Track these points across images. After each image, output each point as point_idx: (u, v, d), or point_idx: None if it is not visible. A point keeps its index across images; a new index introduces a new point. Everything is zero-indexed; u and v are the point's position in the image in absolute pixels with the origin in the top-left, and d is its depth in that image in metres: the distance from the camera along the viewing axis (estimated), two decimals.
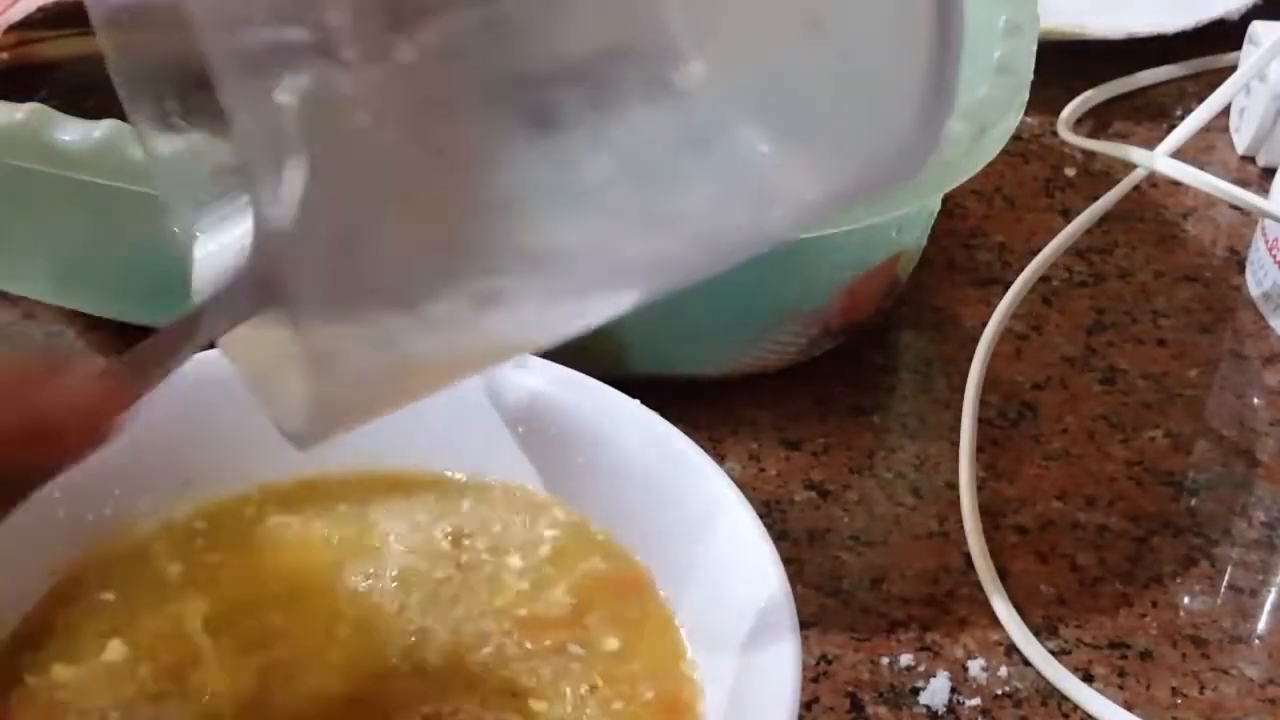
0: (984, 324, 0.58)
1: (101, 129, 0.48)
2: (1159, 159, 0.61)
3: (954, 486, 0.53)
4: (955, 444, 0.54)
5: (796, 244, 0.49)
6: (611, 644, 0.41)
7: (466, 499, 0.45)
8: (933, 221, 0.55)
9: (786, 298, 0.53)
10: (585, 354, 0.46)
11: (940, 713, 0.46)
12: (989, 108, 0.51)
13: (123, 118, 0.48)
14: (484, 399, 0.44)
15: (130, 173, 0.48)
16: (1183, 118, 0.66)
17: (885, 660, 0.48)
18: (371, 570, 0.43)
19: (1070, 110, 0.69)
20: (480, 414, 0.45)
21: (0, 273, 0.56)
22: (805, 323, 0.54)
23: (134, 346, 0.33)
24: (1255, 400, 0.58)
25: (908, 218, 0.52)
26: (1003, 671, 0.48)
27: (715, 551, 0.41)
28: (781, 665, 0.37)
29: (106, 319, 0.57)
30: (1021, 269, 0.61)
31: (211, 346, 0.32)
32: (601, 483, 0.44)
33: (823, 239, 0.49)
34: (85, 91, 0.56)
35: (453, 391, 0.44)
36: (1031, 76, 0.53)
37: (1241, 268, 0.63)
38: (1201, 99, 0.65)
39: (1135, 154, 0.62)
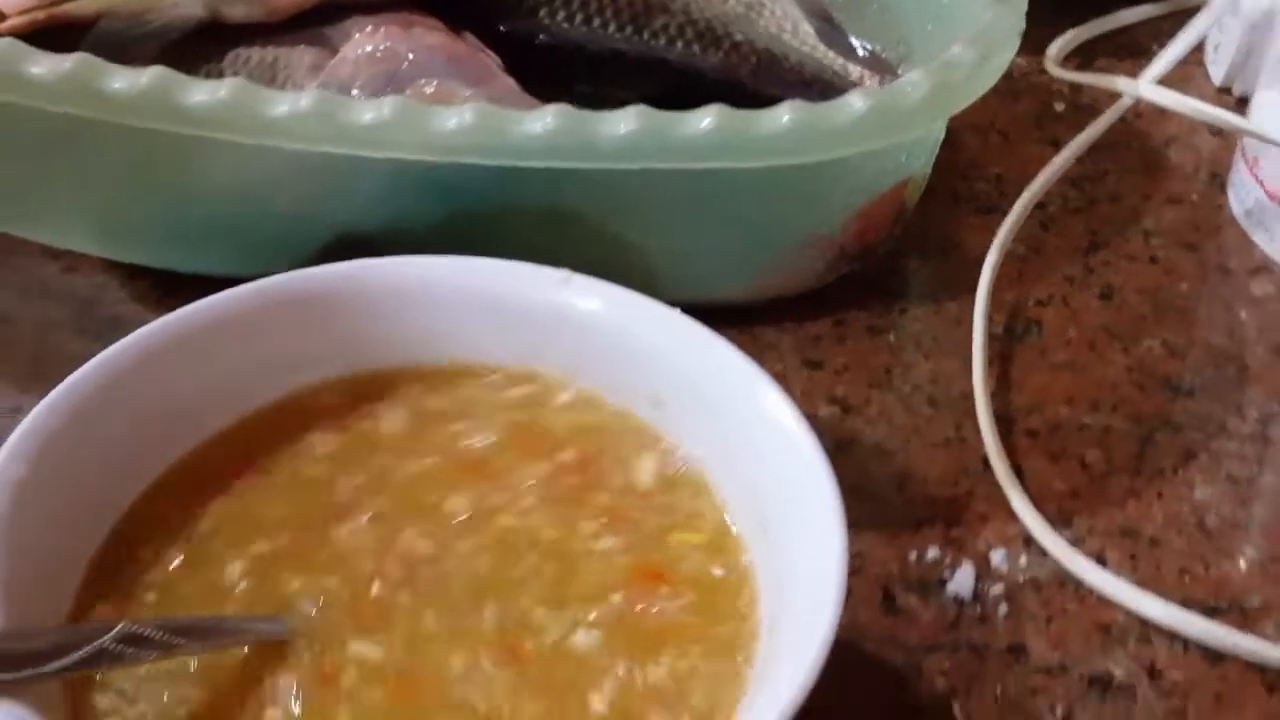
0: (987, 249, 0.61)
1: (148, 75, 0.50)
2: (1144, 86, 0.64)
3: (968, 396, 0.56)
4: (967, 358, 0.57)
5: (813, 169, 0.52)
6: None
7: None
8: (937, 149, 0.59)
9: (805, 222, 0.56)
10: (618, 280, 0.49)
11: (967, 600, 0.50)
12: (991, 35, 0.55)
13: (179, 57, 0.51)
14: (539, 314, 0.47)
15: (178, 117, 0.51)
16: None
17: (913, 555, 0.51)
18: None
19: (1056, 48, 0.72)
20: (542, 328, 0.48)
21: (45, 226, 0.59)
22: (823, 246, 0.57)
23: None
24: (1243, 309, 0.61)
25: (915, 143, 0.55)
26: (1023, 560, 0.51)
27: (766, 449, 0.44)
28: (829, 554, 0.40)
29: (148, 268, 0.59)
30: (1019, 197, 0.64)
31: None
32: (652, 385, 0.47)
33: (837, 163, 0.53)
34: (121, 48, 0.58)
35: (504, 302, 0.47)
36: (1026, 6, 0.57)
37: (1223, 189, 0.67)
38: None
39: (1121, 83, 0.65)
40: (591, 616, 0.42)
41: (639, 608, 0.42)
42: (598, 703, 0.41)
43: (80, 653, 0.36)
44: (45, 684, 0.37)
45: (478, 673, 0.41)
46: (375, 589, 0.43)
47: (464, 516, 0.45)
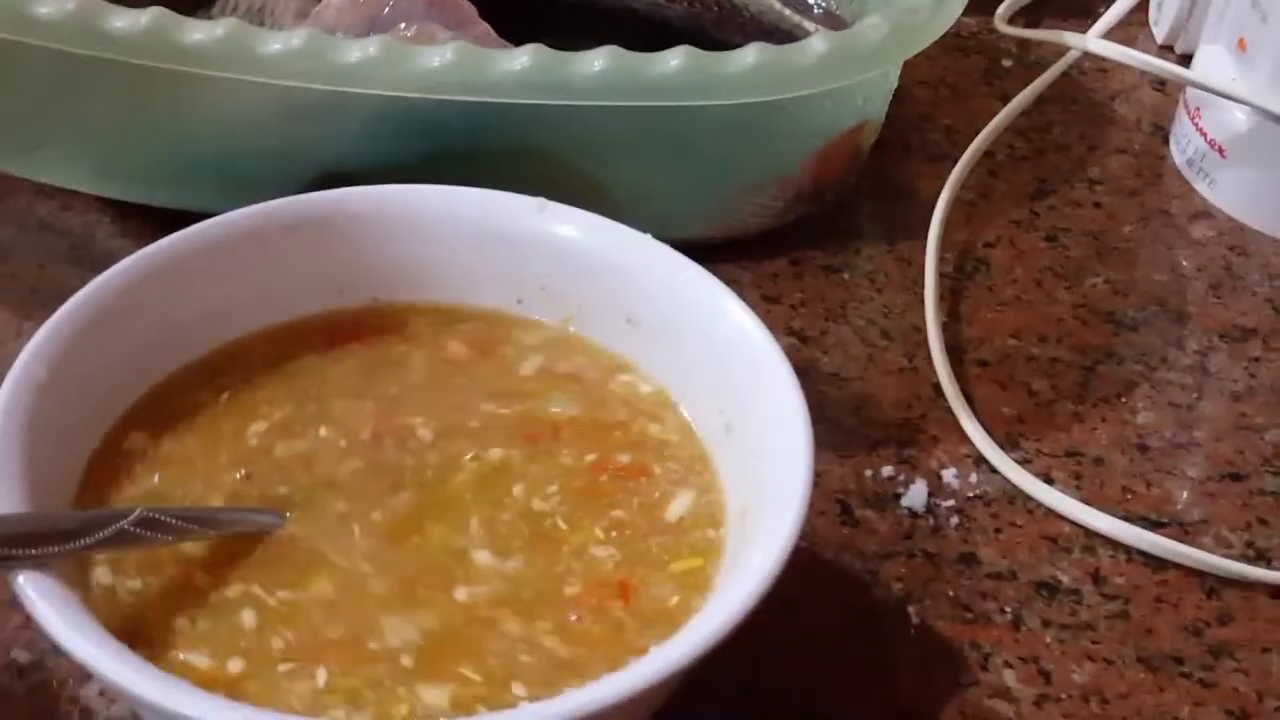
0: (938, 194, 0.64)
1: (148, 15, 0.53)
2: (1091, 40, 0.67)
3: (919, 329, 0.59)
4: (918, 294, 0.60)
5: (775, 109, 0.55)
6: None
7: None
8: (891, 94, 0.61)
9: (765, 162, 0.59)
10: None
11: (920, 513, 0.53)
12: None
13: (168, 6, 0.54)
14: (518, 240, 0.50)
15: (177, 55, 0.53)
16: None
17: (869, 472, 0.54)
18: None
19: (1005, 7, 0.74)
20: (521, 254, 0.50)
21: (42, 165, 0.61)
22: (782, 186, 0.60)
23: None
24: (1183, 250, 0.64)
25: (872, 86, 0.58)
26: (973, 478, 0.54)
27: (735, 360, 0.46)
28: (796, 444, 0.43)
29: (138, 205, 0.61)
30: (968, 146, 0.67)
31: None
32: (627, 307, 0.49)
33: (797, 104, 0.56)
34: None
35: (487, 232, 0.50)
36: None
37: (1165, 140, 0.70)
38: None
39: (1069, 38, 0.68)
40: (510, 563, 0.44)
41: (574, 617, 0.43)
42: (461, 594, 0.43)
43: (102, 533, 0.39)
44: (65, 559, 0.39)
45: (346, 529, 0.44)
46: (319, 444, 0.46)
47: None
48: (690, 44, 0.55)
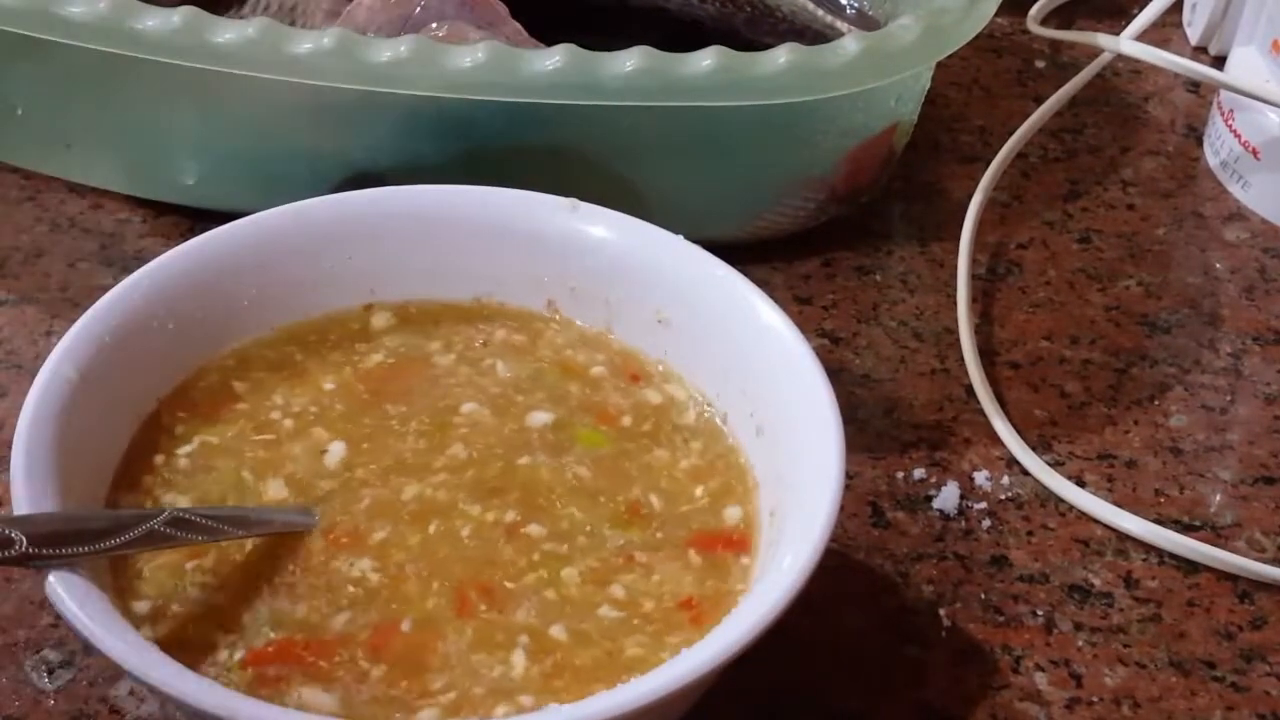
0: (970, 195, 0.64)
1: (179, 14, 0.53)
2: (1124, 42, 0.67)
3: (951, 331, 0.59)
4: (951, 296, 0.60)
5: (808, 110, 0.55)
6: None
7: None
8: (924, 96, 0.61)
9: (797, 163, 0.59)
10: None
11: (951, 515, 0.52)
12: None
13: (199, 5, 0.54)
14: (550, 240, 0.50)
15: (208, 54, 0.53)
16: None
17: (900, 474, 0.54)
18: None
19: (1037, 8, 0.74)
20: (553, 254, 0.51)
21: (74, 163, 0.61)
22: (814, 187, 0.60)
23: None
24: (1216, 253, 0.64)
25: (905, 87, 0.58)
26: (1005, 480, 0.53)
27: (764, 358, 0.46)
28: (828, 444, 0.43)
29: (169, 204, 0.62)
30: (1001, 147, 0.66)
31: None
32: (657, 305, 0.50)
33: (830, 104, 0.55)
34: None
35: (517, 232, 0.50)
36: None
37: (1199, 142, 0.70)
38: None
39: (1102, 39, 0.68)
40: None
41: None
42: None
43: (132, 533, 0.39)
44: (95, 559, 0.39)
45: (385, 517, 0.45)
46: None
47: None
48: (722, 44, 0.55)
